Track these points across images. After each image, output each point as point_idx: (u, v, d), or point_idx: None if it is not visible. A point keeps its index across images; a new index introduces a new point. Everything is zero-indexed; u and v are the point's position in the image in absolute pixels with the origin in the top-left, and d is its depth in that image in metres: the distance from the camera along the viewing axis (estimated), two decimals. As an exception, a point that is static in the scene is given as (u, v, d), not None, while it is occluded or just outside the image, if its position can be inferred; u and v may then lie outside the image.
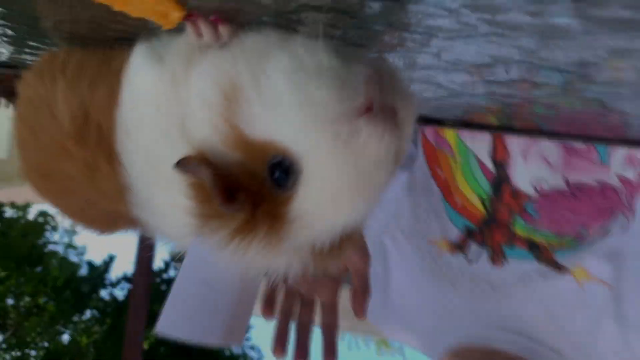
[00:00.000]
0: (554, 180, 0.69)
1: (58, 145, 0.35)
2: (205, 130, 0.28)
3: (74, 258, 6.10)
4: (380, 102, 0.27)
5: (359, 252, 0.61)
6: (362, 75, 0.27)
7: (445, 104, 0.44)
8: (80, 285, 5.56)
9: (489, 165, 0.74)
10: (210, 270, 0.30)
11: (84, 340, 5.35)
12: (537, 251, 0.73)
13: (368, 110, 0.27)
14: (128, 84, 0.31)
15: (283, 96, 0.26)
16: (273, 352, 0.59)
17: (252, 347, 5.93)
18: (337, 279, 0.62)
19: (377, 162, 0.27)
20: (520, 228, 0.74)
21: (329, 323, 0.61)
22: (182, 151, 0.29)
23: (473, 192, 0.76)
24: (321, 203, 0.27)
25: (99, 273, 5.58)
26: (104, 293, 5.66)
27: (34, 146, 0.38)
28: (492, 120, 0.55)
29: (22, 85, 0.38)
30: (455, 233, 0.77)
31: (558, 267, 0.72)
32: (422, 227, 0.79)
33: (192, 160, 0.27)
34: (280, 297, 0.61)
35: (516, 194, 0.73)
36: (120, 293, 5.60)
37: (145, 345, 4.83)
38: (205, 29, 0.29)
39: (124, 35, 0.35)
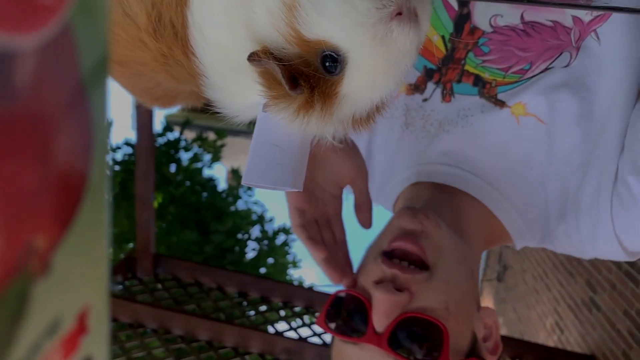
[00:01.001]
0: (510, 17, 0.73)
1: (134, 38, 0.42)
2: (269, 30, 0.36)
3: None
4: (407, 6, 0.35)
5: (358, 171, 0.71)
6: None
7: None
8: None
9: (453, 3, 0.77)
10: (278, 135, 0.39)
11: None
12: (482, 86, 0.78)
13: (398, 14, 0.35)
14: None
15: (332, 7, 0.34)
16: (337, 282, 0.68)
17: (256, 203, 6.24)
18: (339, 197, 0.72)
19: (404, 53, 0.37)
20: (470, 63, 0.78)
21: (339, 230, 0.71)
22: (247, 46, 0.37)
23: (435, 31, 0.79)
24: (363, 84, 0.37)
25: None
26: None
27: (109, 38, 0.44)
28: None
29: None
30: (415, 75, 0.82)
31: (498, 102, 0.77)
32: None
33: (261, 54, 0.35)
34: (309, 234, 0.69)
35: (473, 30, 0.76)
36: (120, 157, 5.76)
37: (155, 205, 5.09)
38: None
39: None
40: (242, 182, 0.39)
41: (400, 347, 0.60)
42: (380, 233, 0.72)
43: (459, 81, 0.79)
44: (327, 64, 0.36)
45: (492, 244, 0.81)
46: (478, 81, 0.77)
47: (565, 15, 0.72)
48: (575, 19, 0.71)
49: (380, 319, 0.61)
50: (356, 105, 0.38)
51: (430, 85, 0.82)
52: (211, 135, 5.88)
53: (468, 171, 0.78)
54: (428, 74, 0.81)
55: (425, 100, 0.82)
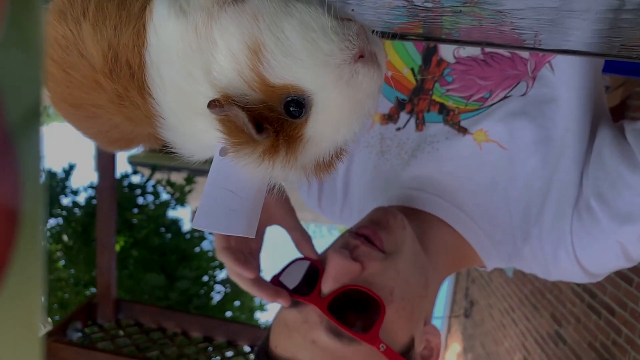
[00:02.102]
0: (471, 48, 0.77)
1: (89, 79, 0.42)
2: (230, 75, 0.36)
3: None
4: (368, 50, 0.36)
5: (286, 210, 0.74)
6: (354, 30, 0.36)
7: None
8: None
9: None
10: (234, 181, 0.39)
11: (52, 247, 5.44)
12: (446, 114, 0.81)
13: (361, 56, 0.36)
14: (154, 31, 0.37)
15: (299, 49, 0.35)
16: (272, 299, 0.67)
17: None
18: (261, 235, 0.74)
19: (368, 95, 0.37)
20: (436, 93, 0.82)
21: (256, 266, 0.71)
22: (205, 90, 0.37)
23: (404, 64, 0.83)
24: (328, 126, 0.37)
25: (59, 181, 5.55)
26: (66, 201, 5.67)
27: (63, 80, 0.43)
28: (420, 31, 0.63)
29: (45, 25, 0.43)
30: (387, 105, 0.86)
31: (461, 129, 0.80)
32: None
33: (222, 101, 0.35)
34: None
35: (440, 62, 0.80)
36: (83, 201, 5.63)
37: (117, 248, 4.96)
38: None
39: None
40: (193, 226, 0.39)
41: (337, 314, 0.62)
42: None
43: (428, 110, 0.83)
44: (291, 108, 0.36)
45: (461, 265, 0.83)
46: (443, 109, 0.81)
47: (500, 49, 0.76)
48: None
49: (328, 281, 0.63)
50: (320, 148, 0.39)
51: (403, 115, 0.86)
52: (176, 177, 5.83)
53: (435, 194, 0.81)
54: (400, 105, 0.85)
55: (398, 129, 0.86)
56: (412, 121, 0.85)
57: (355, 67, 0.36)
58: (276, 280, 0.69)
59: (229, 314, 5.59)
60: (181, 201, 5.73)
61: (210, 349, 3.23)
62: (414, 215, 0.80)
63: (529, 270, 0.82)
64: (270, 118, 0.37)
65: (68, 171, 5.56)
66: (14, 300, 0.15)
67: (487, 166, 0.79)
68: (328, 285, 0.63)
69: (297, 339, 0.64)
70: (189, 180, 5.65)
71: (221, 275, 5.86)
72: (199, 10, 0.36)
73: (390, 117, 0.86)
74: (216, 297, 5.65)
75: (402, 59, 0.83)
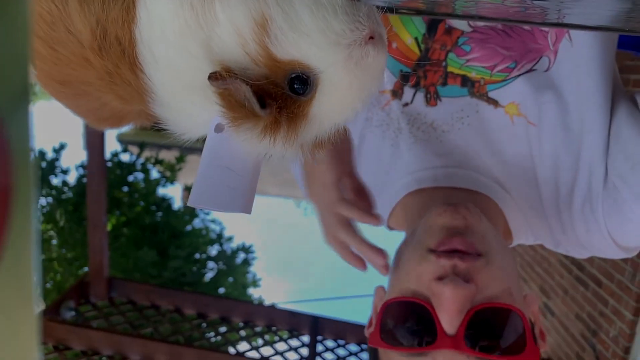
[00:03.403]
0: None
1: (77, 56, 0.41)
2: (233, 50, 0.35)
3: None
4: (378, 32, 0.36)
5: (342, 172, 0.72)
6: (364, 10, 0.36)
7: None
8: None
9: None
10: (230, 157, 0.38)
11: (44, 226, 5.42)
12: (471, 86, 0.76)
13: (371, 38, 0.36)
14: (144, 6, 0.36)
15: (309, 26, 0.34)
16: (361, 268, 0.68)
17: (213, 221, 6.16)
18: (338, 190, 0.72)
19: (375, 77, 0.37)
20: (453, 64, 0.77)
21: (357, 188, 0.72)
22: (203, 65, 0.36)
23: (408, 34, 0.78)
24: (333, 105, 0.37)
25: (50, 162, 5.50)
26: (56, 181, 5.63)
27: (50, 56, 0.42)
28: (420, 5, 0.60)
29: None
30: (391, 80, 0.81)
31: (491, 101, 0.76)
32: None
33: (223, 74, 0.34)
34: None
35: (449, 30, 0.75)
36: (74, 180, 5.59)
37: (109, 227, 4.95)
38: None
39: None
40: (189, 203, 0.38)
41: (478, 344, 0.55)
42: (415, 235, 0.68)
43: (444, 84, 0.78)
44: (295, 85, 0.36)
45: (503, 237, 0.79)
46: (466, 81, 0.77)
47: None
48: None
49: (452, 318, 0.56)
50: (322, 127, 0.38)
51: (408, 90, 0.80)
52: (166, 155, 5.79)
53: (474, 170, 0.77)
54: (404, 78, 0.81)
55: (406, 104, 0.80)
56: (421, 96, 0.79)
57: (365, 48, 0.36)
58: (377, 339, 0.60)
59: (221, 290, 5.62)
60: (171, 179, 5.71)
61: (204, 325, 3.26)
62: (460, 194, 0.76)
63: (559, 248, 0.79)
64: (274, 94, 0.36)
65: (58, 150, 5.51)
66: (8, 279, 0.15)
67: (519, 141, 0.76)
68: (453, 323, 0.56)
69: None
70: (180, 159, 5.62)
71: (213, 251, 5.88)
72: None
73: (394, 93, 0.81)
74: (209, 274, 5.67)
75: (407, 28, 0.78)
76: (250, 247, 5.85)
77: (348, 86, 0.37)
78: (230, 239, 6.04)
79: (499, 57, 0.74)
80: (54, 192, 5.56)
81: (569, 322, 3.44)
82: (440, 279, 0.58)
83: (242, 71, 0.35)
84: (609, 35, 0.73)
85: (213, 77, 0.34)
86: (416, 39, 0.77)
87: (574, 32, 0.72)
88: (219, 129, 0.38)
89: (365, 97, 0.38)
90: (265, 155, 0.39)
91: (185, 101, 0.39)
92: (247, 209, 0.40)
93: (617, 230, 0.71)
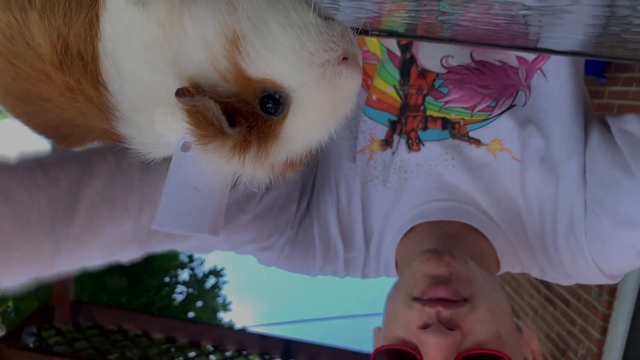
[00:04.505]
0: (460, 57, 0.75)
1: (37, 71, 0.39)
2: (202, 66, 0.34)
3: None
4: (352, 52, 0.36)
5: None
6: (339, 30, 0.35)
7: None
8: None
9: (397, 52, 0.77)
10: (197, 177, 0.37)
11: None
12: (452, 128, 0.77)
13: (345, 59, 0.35)
14: (109, 21, 0.35)
15: (282, 44, 0.34)
16: None
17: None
18: None
19: (348, 98, 0.37)
20: (432, 107, 0.77)
21: None
22: (170, 82, 0.35)
23: (387, 84, 0.79)
24: (305, 126, 0.37)
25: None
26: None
27: (8, 71, 0.41)
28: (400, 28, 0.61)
29: (-14, 13, 0.40)
30: (382, 130, 0.81)
31: (473, 141, 0.76)
32: (347, 144, 0.82)
33: (191, 90, 0.33)
34: None
35: (423, 73, 0.76)
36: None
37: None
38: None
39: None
40: (154, 226, 0.37)
41: None
42: (402, 281, 0.68)
43: (424, 128, 0.78)
44: (267, 104, 0.35)
45: (493, 270, 0.78)
46: (447, 124, 0.77)
47: (509, 56, 0.75)
48: (520, 58, 0.75)
49: None
50: (294, 147, 0.38)
51: (396, 137, 0.80)
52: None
53: (464, 203, 0.77)
54: (392, 127, 0.80)
55: (393, 153, 0.80)
56: (403, 142, 0.79)
57: (339, 68, 0.35)
58: None
59: (191, 314, 5.51)
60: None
61: (173, 349, 3.17)
62: (449, 228, 0.75)
63: (545, 277, 0.80)
64: (244, 112, 0.35)
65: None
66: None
67: (503, 176, 0.76)
68: None
69: None
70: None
71: (183, 275, 5.77)
72: (159, 1, 0.34)
73: (387, 142, 0.80)
74: (178, 298, 5.56)
75: (384, 78, 0.79)
76: (221, 270, 5.77)
77: (320, 106, 0.36)
78: (202, 263, 5.95)
79: (479, 96, 0.75)
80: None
81: (539, 342, 3.47)
82: (425, 327, 0.58)
83: (211, 88, 0.34)
84: (579, 64, 0.75)
85: (180, 93, 0.33)
86: (394, 86, 0.79)
87: (546, 68, 0.74)
88: (185, 147, 0.37)
89: (337, 118, 0.38)
90: (234, 175, 0.38)
91: (151, 118, 0.38)
92: (215, 230, 0.38)
93: (601, 257, 0.71)
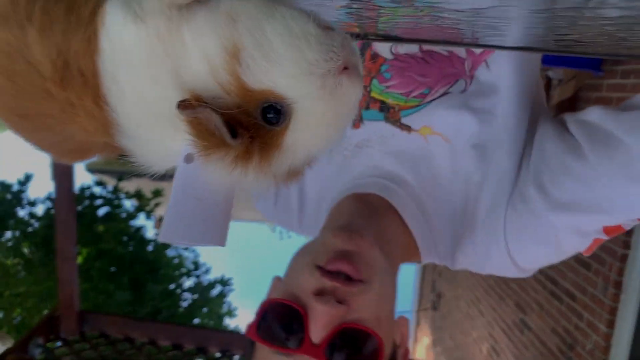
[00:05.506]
0: (410, 46, 0.77)
1: (37, 88, 0.39)
2: (203, 79, 0.35)
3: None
4: (352, 62, 0.36)
5: None
6: (339, 40, 0.35)
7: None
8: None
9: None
10: (201, 188, 0.37)
11: (10, 261, 5.24)
12: (387, 111, 0.80)
13: (345, 68, 0.36)
14: (107, 37, 0.36)
15: (282, 55, 0.34)
16: None
17: (186, 248, 6.07)
18: None
19: (349, 107, 0.37)
20: (375, 89, 0.81)
21: None
22: (171, 94, 0.35)
23: None
24: (306, 136, 0.37)
25: (15, 193, 5.35)
26: (23, 213, 5.47)
27: (9, 89, 0.41)
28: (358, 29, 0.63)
29: (-15, 30, 0.40)
30: None
31: (404, 127, 0.80)
32: None
33: (193, 102, 0.33)
34: None
35: (375, 57, 0.80)
36: (42, 212, 5.44)
37: (79, 260, 4.82)
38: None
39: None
40: (160, 239, 0.37)
41: (335, 357, 0.61)
42: (314, 244, 0.72)
43: (367, 108, 0.82)
44: (268, 115, 0.35)
45: (407, 258, 0.82)
46: (384, 107, 0.80)
47: (459, 48, 0.77)
48: (468, 50, 0.77)
49: (319, 330, 0.61)
50: (296, 156, 0.38)
51: None
52: (139, 183, 5.70)
53: (390, 180, 0.81)
54: None
55: None
56: None
57: (339, 78, 0.35)
58: (254, 332, 0.65)
59: (196, 320, 5.52)
60: (149, 214, 5.64)
61: (180, 356, 3.17)
62: (368, 207, 0.79)
63: (459, 266, 0.83)
64: (245, 123, 0.35)
65: (24, 182, 5.37)
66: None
67: (433, 159, 0.79)
68: (319, 335, 0.61)
69: None
70: (157, 193, 5.55)
71: (188, 283, 5.78)
72: (158, 15, 0.34)
73: None
74: (183, 304, 5.56)
75: None
76: (228, 280, 5.78)
77: (322, 116, 0.36)
78: (207, 271, 5.96)
79: (415, 84, 0.77)
80: (20, 225, 5.40)
81: (545, 336, 3.47)
82: (318, 294, 0.63)
83: (212, 100, 0.35)
84: (531, 62, 0.76)
85: (182, 105, 0.33)
86: None
87: (491, 59, 0.75)
88: (189, 159, 0.37)
89: (339, 127, 0.38)
90: (237, 186, 0.38)
91: (153, 132, 0.38)
92: (221, 241, 0.39)
93: (517, 246, 0.73)
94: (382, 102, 0.80)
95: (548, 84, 3.29)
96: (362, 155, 0.84)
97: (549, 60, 2.91)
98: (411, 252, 0.81)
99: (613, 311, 2.80)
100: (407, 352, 0.73)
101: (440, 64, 0.77)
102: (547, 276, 3.43)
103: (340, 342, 0.62)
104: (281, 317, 0.64)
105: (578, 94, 3.20)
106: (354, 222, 0.75)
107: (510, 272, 0.77)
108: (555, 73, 3.21)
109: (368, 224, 0.75)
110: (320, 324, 0.61)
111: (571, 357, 3.14)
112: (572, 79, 3.15)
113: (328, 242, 0.70)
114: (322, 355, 0.60)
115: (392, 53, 0.78)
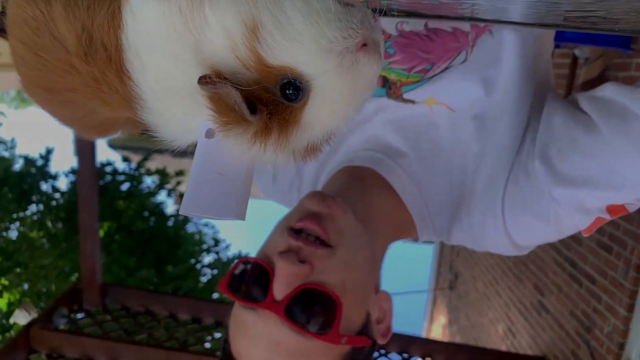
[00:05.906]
0: (415, 24, 0.77)
1: (62, 62, 0.40)
2: (224, 54, 0.35)
3: (4, 153, 5.88)
4: (372, 38, 0.36)
5: None
6: (358, 17, 0.35)
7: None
8: (19, 180, 5.42)
9: None
10: (222, 163, 0.37)
11: (35, 234, 5.36)
12: (389, 87, 0.81)
13: (364, 45, 0.36)
14: (130, 12, 0.36)
15: (301, 32, 0.34)
16: None
17: (206, 224, 6.15)
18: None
19: (367, 84, 0.37)
20: None
21: None
22: (193, 70, 0.35)
23: None
24: (325, 112, 0.37)
25: (38, 167, 5.44)
26: (46, 187, 5.57)
27: (35, 63, 0.41)
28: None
29: (12, 5, 0.41)
30: None
31: (407, 102, 0.80)
32: None
33: (213, 77, 0.34)
34: None
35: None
36: (65, 186, 5.53)
37: (101, 234, 4.92)
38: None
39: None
40: (181, 212, 0.37)
41: (295, 317, 0.62)
42: (290, 211, 0.74)
43: None
44: (287, 91, 0.36)
45: (400, 235, 0.83)
46: (386, 82, 0.80)
47: (464, 23, 0.75)
48: (472, 24, 0.76)
49: (281, 287, 0.63)
50: (314, 133, 0.38)
51: None
52: (159, 159, 5.76)
53: (382, 153, 0.81)
54: None
55: None
56: None
57: (357, 55, 0.35)
58: (225, 287, 0.68)
59: (216, 295, 5.61)
60: (170, 191, 5.70)
61: (199, 330, 3.24)
62: (358, 180, 0.79)
63: (457, 242, 0.83)
64: (265, 99, 0.35)
65: (46, 156, 5.45)
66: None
67: (436, 128, 0.79)
68: (281, 291, 0.63)
69: (260, 343, 0.64)
70: (180, 173, 5.60)
71: (208, 258, 5.86)
72: None
73: None
74: (203, 280, 5.65)
75: None
76: (247, 255, 5.84)
77: (340, 93, 0.36)
78: (227, 247, 6.04)
79: (417, 59, 0.77)
80: (44, 198, 5.51)
81: (563, 319, 3.45)
82: (284, 252, 0.65)
83: (232, 75, 0.35)
84: (534, 35, 0.74)
85: (203, 80, 0.34)
86: None
87: (495, 28, 0.74)
88: (209, 134, 0.37)
89: (357, 104, 0.38)
90: (257, 161, 0.38)
91: (175, 107, 0.38)
92: (241, 215, 0.39)
93: (515, 221, 0.72)
94: (385, 77, 0.80)
95: (574, 62, 3.21)
96: (361, 130, 0.84)
97: (575, 38, 2.83)
98: (406, 229, 0.82)
99: (633, 295, 2.77)
100: (388, 329, 0.74)
101: (444, 40, 0.76)
102: (567, 258, 3.41)
103: (301, 302, 0.63)
104: (250, 274, 0.67)
105: (605, 72, 3.12)
106: (336, 193, 0.76)
107: (505, 249, 0.77)
108: (582, 51, 3.13)
109: (352, 196, 0.76)
110: (280, 280, 0.63)
111: (589, 340, 3.12)
112: (599, 58, 3.07)
113: (301, 204, 0.72)
114: (281, 311, 0.62)
115: (397, 30, 0.77)
